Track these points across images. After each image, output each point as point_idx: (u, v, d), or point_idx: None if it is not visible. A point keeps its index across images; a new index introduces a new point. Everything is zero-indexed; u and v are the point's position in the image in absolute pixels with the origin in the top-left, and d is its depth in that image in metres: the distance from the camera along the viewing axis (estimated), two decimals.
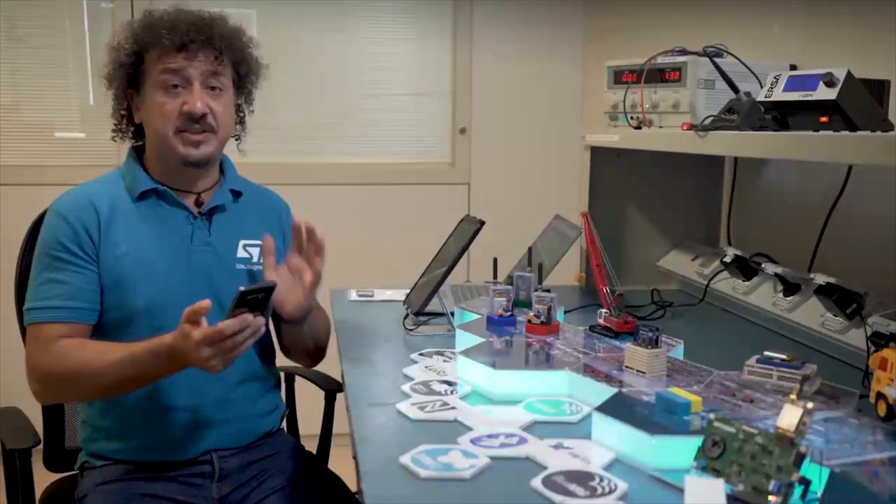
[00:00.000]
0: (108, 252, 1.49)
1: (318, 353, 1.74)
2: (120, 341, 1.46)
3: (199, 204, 1.58)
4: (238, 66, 1.59)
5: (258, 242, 1.61)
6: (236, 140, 1.70)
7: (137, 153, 1.60)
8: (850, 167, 1.74)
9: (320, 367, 1.98)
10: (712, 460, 0.95)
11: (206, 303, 1.27)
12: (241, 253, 1.60)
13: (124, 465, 1.52)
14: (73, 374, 1.43)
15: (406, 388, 1.36)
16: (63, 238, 1.48)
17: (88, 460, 1.56)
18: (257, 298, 1.29)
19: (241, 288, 1.25)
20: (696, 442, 0.98)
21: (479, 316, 1.65)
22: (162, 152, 1.54)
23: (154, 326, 1.45)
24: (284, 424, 1.84)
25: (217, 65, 1.53)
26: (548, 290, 1.58)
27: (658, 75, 1.87)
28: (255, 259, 1.61)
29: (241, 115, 1.67)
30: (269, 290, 1.30)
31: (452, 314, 1.72)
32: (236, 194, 1.63)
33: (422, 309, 1.74)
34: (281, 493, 1.55)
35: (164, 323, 1.40)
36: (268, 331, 1.69)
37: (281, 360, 1.90)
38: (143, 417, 1.50)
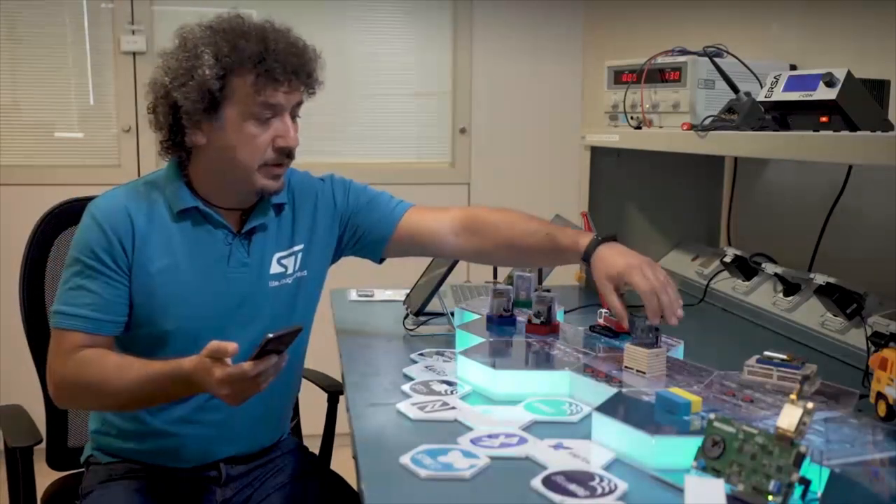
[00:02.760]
0: (142, 267, 1.43)
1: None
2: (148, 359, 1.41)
3: (241, 222, 1.49)
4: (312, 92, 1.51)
5: (295, 249, 1.54)
6: None
7: (181, 165, 1.49)
8: (850, 167, 1.74)
9: (322, 369, 1.98)
10: (712, 460, 0.95)
11: (233, 346, 1.23)
12: (274, 269, 1.51)
13: (130, 464, 1.51)
14: (89, 387, 1.39)
15: (406, 388, 1.36)
16: (96, 247, 1.41)
17: (95, 454, 1.55)
18: (283, 341, 1.25)
19: (270, 335, 1.20)
20: (696, 442, 0.98)
21: (479, 316, 1.65)
22: (231, 178, 1.45)
23: (185, 350, 1.36)
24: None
25: (306, 95, 1.47)
26: (548, 290, 1.58)
27: (658, 75, 1.87)
28: (289, 271, 1.53)
29: None
30: (296, 333, 1.25)
31: (452, 314, 1.72)
32: (279, 208, 1.54)
33: (422, 309, 1.74)
34: (282, 491, 1.55)
35: (196, 347, 1.32)
36: (303, 340, 1.62)
37: None
38: (159, 423, 1.48)
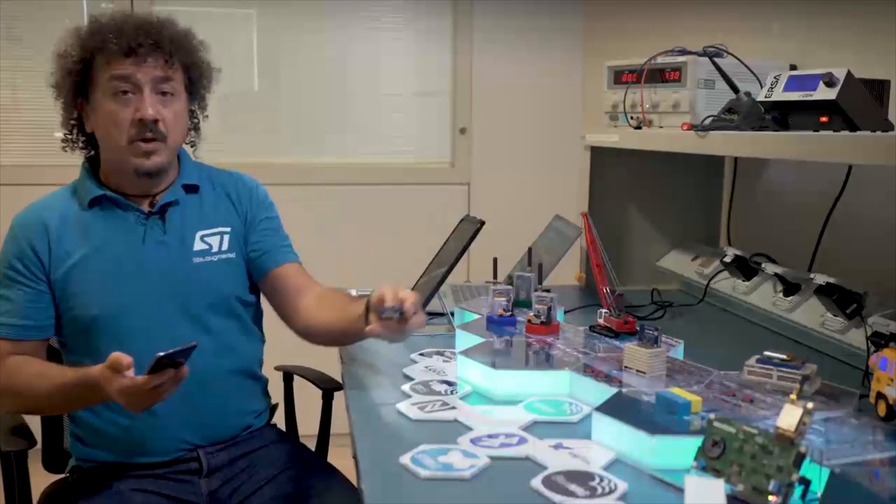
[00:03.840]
0: (60, 264, 1.49)
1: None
2: (83, 350, 1.49)
3: (152, 204, 1.55)
4: (189, 70, 1.56)
5: (221, 230, 1.59)
6: (191, 147, 1.67)
7: (91, 164, 1.58)
8: (850, 167, 1.74)
9: (318, 366, 1.98)
10: (712, 460, 0.95)
11: (128, 359, 1.26)
12: (198, 245, 1.56)
13: (112, 467, 1.52)
14: (13, 393, 1.46)
15: (406, 388, 1.36)
16: (11, 257, 1.50)
17: (78, 464, 1.57)
18: (179, 358, 1.26)
19: (160, 354, 1.22)
20: (696, 442, 0.98)
21: (479, 316, 1.65)
22: (115, 162, 1.52)
23: (115, 333, 1.47)
24: (279, 421, 1.83)
25: (167, 69, 1.49)
26: (548, 290, 1.58)
27: (658, 75, 1.87)
28: (214, 249, 1.58)
29: (196, 121, 1.64)
30: (190, 350, 1.27)
31: (452, 314, 1.72)
32: (191, 188, 1.59)
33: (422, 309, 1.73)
34: (274, 482, 1.55)
35: (125, 328, 1.45)
36: (243, 323, 1.64)
37: (281, 359, 1.90)
38: (119, 425, 1.50)
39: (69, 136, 1.59)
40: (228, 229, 1.60)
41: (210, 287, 1.56)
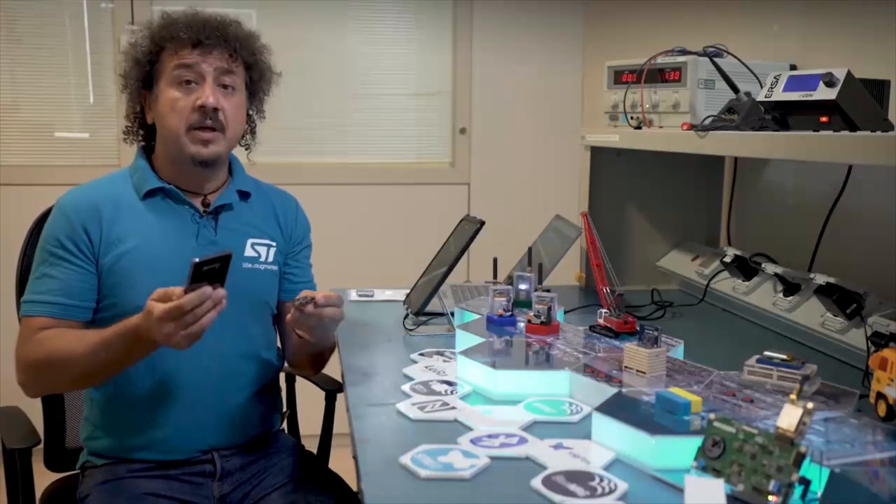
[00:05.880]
0: (111, 248, 1.49)
1: (321, 365, 1.74)
2: None
3: (206, 204, 1.58)
4: (251, 69, 1.60)
5: (267, 241, 1.63)
6: (246, 149, 1.71)
7: (146, 153, 1.61)
8: (850, 167, 1.74)
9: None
10: (712, 460, 0.95)
11: (178, 289, 1.24)
12: (248, 252, 1.60)
13: (125, 465, 1.52)
14: (49, 360, 1.43)
15: (406, 388, 1.36)
16: (61, 235, 1.49)
17: (90, 459, 1.57)
18: (214, 269, 1.24)
19: (196, 259, 1.20)
20: (696, 442, 0.98)
21: (479, 316, 1.65)
22: (172, 151, 1.55)
23: None
24: (285, 425, 1.84)
25: (230, 63, 1.55)
26: (548, 290, 1.58)
27: (658, 75, 1.87)
28: (262, 258, 1.61)
29: (252, 124, 1.69)
30: (226, 258, 1.25)
31: (452, 314, 1.72)
32: (244, 194, 1.63)
33: (422, 309, 1.74)
34: (282, 490, 1.56)
35: None
36: (272, 332, 1.69)
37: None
38: (143, 416, 1.51)
39: (130, 127, 1.62)
40: (275, 244, 1.64)
41: (254, 294, 1.60)
